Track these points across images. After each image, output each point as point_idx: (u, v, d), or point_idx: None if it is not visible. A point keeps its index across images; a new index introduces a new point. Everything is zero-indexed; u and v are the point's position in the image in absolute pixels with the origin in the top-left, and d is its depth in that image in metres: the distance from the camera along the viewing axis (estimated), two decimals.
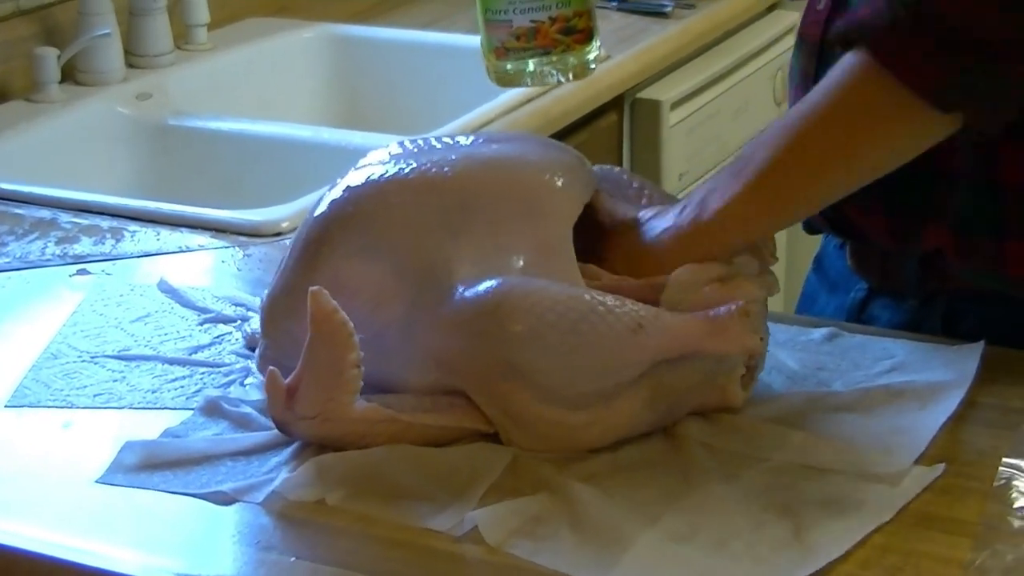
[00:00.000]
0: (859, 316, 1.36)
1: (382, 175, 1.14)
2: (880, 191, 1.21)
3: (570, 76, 1.26)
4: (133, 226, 1.56)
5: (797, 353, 1.23)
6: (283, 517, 1.02)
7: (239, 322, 1.31)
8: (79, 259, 1.47)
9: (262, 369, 1.13)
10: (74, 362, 1.24)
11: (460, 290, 1.07)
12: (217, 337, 1.28)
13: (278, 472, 1.06)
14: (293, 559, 0.98)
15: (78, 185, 1.72)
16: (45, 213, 1.60)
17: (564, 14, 1.23)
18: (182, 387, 1.20)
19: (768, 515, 1.01)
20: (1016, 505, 1.02)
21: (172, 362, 1.24)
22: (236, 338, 1.28)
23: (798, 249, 2.35)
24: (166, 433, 1.13)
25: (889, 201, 1.26)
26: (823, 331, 1.27)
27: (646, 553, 0.98)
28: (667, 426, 1.11)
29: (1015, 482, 1.04)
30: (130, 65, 2.11)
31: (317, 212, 1.15)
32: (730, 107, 2.50)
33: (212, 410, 1.15)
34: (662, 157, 2.33)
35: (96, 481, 1.07)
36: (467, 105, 1.97)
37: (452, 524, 1.00)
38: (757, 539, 0.99)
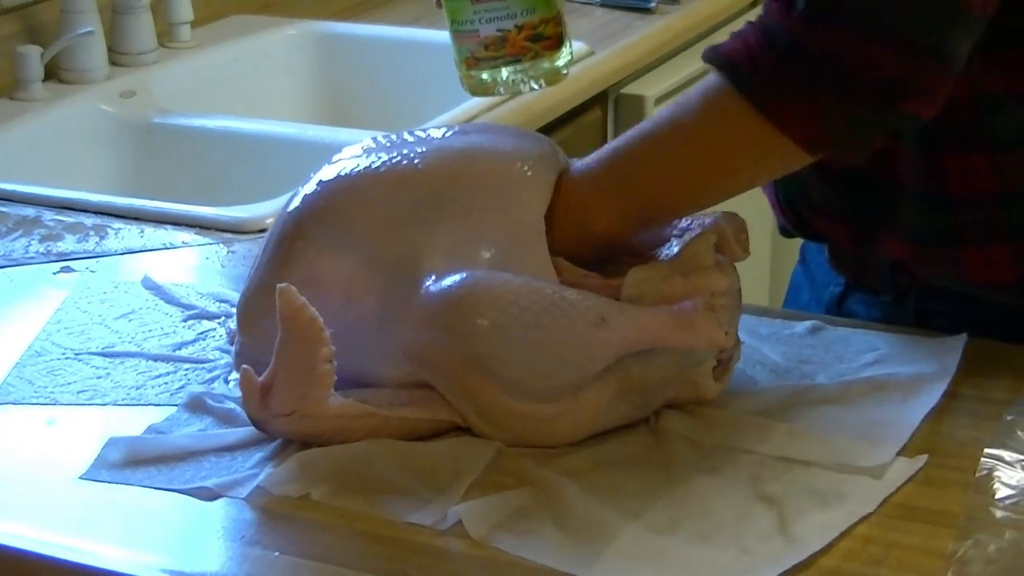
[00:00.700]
0: (838, 310, 1.36)
1: (354, 169, 1.14)
2: (841, 203, 1.21)
3: (542, 83, 1.26)
4: (117, 223, 1.56)
5: (780, 347, 1.24)
6: (267, 512, 1.03)
7: (223, 318, 1.31)
8: (63, 256, 1.47)
9: (238, 367, 1.13)
10: (58, 359, 1.24)
11: (428, 284, 1.07)
12: (201, 333, 1.28)
13: (262, 468, 1.06)
14: (277, 554, 0.98)
15: (62, 183, 1.72)
16: (29, 211, 1.59)
17: (530, 21, 1.22)
18: (166, 383, 1.20)
19: (751, 507, 1.02)
20: (998, 496, 1.03)
21: (156, 358, 1.24)
22: (220, 334, 1.28)
23: (783, 244, 2.35)
24: (150, 429, 1.13)
25: (850, 212, 1.26)
26: (806, 324, 1.27)
27: (629, 546, 0.98)
28: (650, 420, 1.12)
29: (997, 473, 1.05)
30: (113, 63, 2.11)
31: (290, 208, 1.15)
32: None
33: (196, 406, 1.15)
34: None
35: (80, 478, 1.07)
36: (450, 102, 1.97)
37: (436, 519, 1.01)
38: (740, 531, 0.99)
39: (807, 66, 1.07)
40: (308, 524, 1.01)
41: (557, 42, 1.23)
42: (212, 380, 1.20)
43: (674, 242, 1.17)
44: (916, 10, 1.06)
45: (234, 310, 1.30)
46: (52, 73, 2.04)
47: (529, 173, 1.14)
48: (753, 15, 1.13)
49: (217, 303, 1.34)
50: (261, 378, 1.05)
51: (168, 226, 1.55)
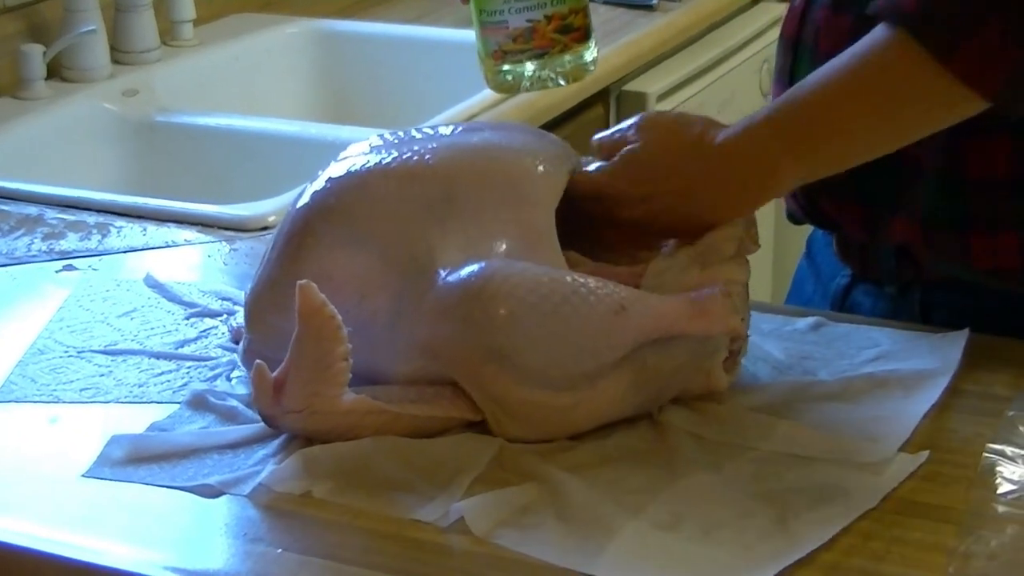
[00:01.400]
0: (843, 302, 1.36)
1: (364, 166, 1.14)
2: (852, 184, 1.21)
3: (569, 78, 1.25)
4: (119, 221, 1.56)
5: (783, 343, 1.24)
6: (270, 509, 1.03)
7: (225, 316, 1.31)
8: (65, 255, 1.47)
9: (246, 363, 1.13)
10: (61, 357, 1.25)
11: (443, 275, 1.07)
12: (203, 331, 1.29)
13: (265, 465, 1.06)
14: (280, 551, 0.98)
15: (65, 181, 1.72)
16: (31, 209, 1.60)
17: (560, 11, 1.21)
18: (168, 381, 1.20)
19: (753, 503, 1.02)
20: (1000, 491, 1.03)
21: (159, 356, 1.24)
22: (222, 332, 1.28)
23: (786, 239, 2.36)
24: (153, 427, 1.13)
25: (861, 194, 1.27)
26: (808, 320, 1.27)
27: (631, 542, 0.98)
28: (653, 415, 1.12)
29: (999, 468, 1.05)
30: (116, 61, 2.11)
31: (299, 205, 1.15)
32: (716, 100, 2.50)
33: (198, 404, 1.15)
34: None
35: (83, 475, 1.07)
36: (453, 99, 1.98)
37: (438, 515, 1.01)
38: (742, 527, 0.99)
39: (995, 15, 1.08)
40: (311, 521, 1.01)
41: (584, 34, 1.23)
42: (214, 378, 1.20)
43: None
44: None
45: (237, 308, 1.31)
46: (55, 71, 2.04)
47: (541, 169, 1.14)
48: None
49: (219, 301, 1.34)
50: (274, 374, 1.05)
51: (170, 224, 1.56)
